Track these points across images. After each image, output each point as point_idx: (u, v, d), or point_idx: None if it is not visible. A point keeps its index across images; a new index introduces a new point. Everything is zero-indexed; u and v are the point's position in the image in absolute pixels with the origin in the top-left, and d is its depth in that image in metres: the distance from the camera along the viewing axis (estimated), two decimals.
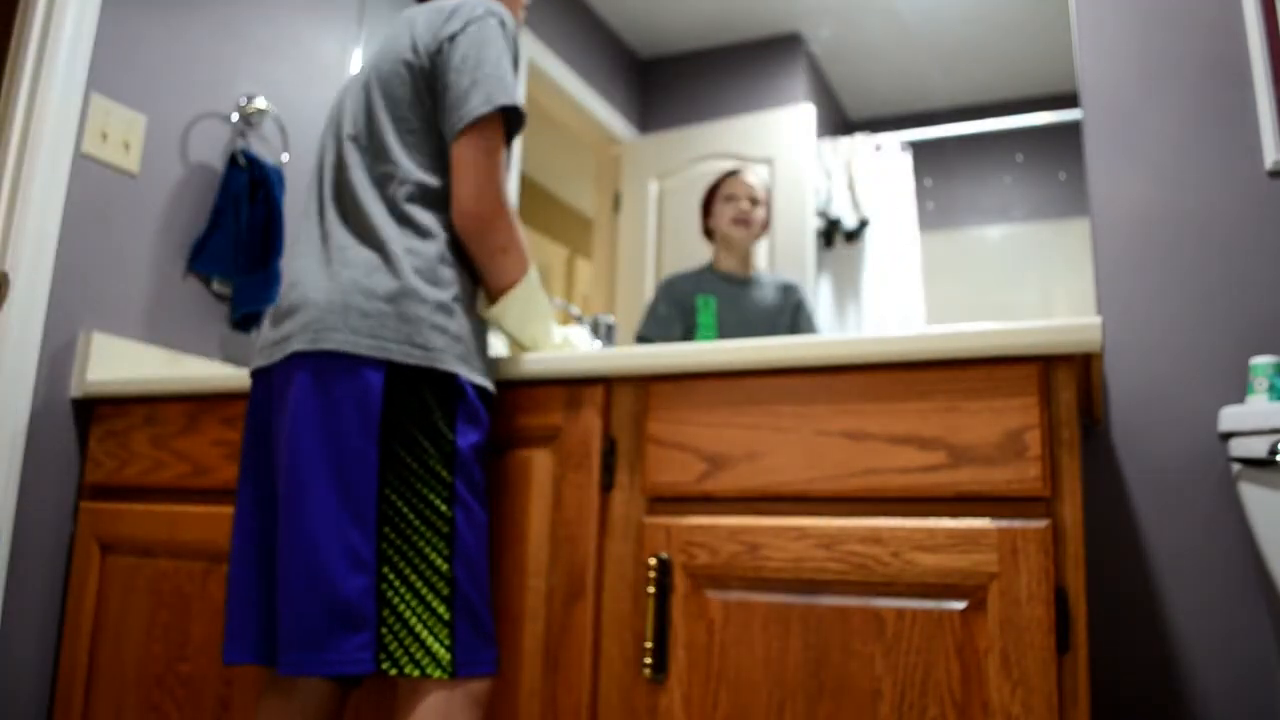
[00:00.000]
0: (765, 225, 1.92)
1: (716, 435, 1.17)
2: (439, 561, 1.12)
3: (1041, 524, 1.01)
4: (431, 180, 1.24)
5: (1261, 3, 1.58)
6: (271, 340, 1.21)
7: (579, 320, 1.94)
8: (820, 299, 1.84)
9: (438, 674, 1.09)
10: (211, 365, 1.92)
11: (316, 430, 1.12)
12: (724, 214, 1.95)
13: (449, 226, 1.24)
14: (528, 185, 2.16)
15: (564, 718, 1.18)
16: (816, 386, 1.14)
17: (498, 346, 1.46)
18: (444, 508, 1.14)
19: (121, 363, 1.73)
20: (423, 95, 1.25)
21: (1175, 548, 1.48)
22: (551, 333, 1.35)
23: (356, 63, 2.34)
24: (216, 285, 1.96)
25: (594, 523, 1.22)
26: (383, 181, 1.23)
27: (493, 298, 1.27)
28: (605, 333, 1.93)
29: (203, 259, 1.90)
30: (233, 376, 1.51)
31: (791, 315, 1.85)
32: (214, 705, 1.44)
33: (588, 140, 2.13)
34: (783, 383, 1.16)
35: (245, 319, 1.97)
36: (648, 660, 1.14)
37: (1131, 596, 1.50)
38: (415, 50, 1.25)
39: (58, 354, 1.67)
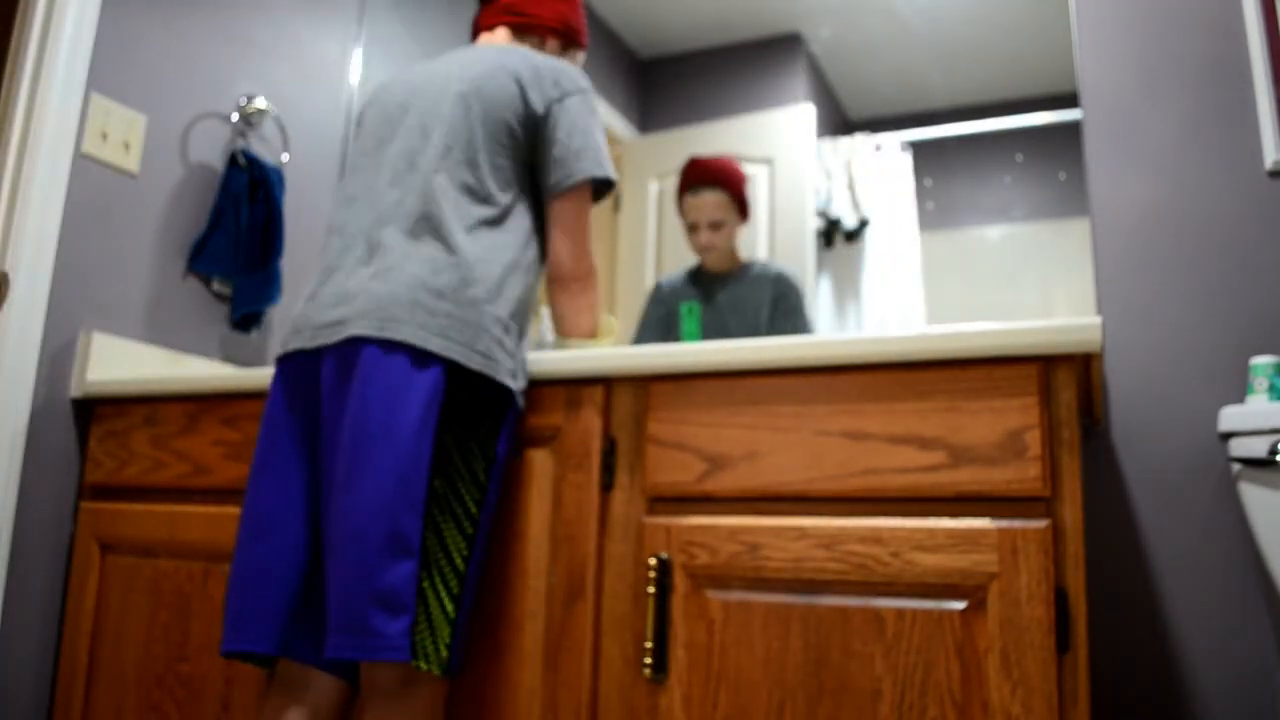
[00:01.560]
0: (743, 218, 1.92)
1: (716, 435, 1.17)
2: (459, 561, 1.14)
3: (1041, 524, 1.01)
4: (507, 202, 1.31)
5: (1261, 3, 1.58)
6: (320, 322, 1.22)
7: None
8: (820, 299, 1.84)
9: (435, 669, 1.10)
10: (211, 365, 1.92)
11: (380, 414, 1.13)
12: (689, 239, 1.95)
13: (512, 248, 1.29)
14: None
15: (564, 718, 1.18)
16: (816, 386, 1.14)
17: None
18: (474, 510, 1.17)
19: (121, 363, 1.73)
20: (520, 135, 1.33)
21: (1175, 548, 1.48)
22: None
23: (356, 63, 2.34)
24: (216, 285, 1.96)
25: (594, 523, 1.22)
26: (467, 192, 1.28)
27: (564, 334, 1.40)
28: None
29: (203, 259, 1.90)
30: (233, 376, 1.51)
31: (771, 307, 1.85)
32: (214, 705, 1.44)
33: None
34: (782, 383, 1.16)
35: (245, 319, 1.97)
36: (648, 660, 1.14)
37: (1131, 596, 1.50)
38: (525, 97, 1.33)
39: (58, 354, 1.67)
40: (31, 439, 1.62)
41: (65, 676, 1.58)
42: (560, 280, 1.36)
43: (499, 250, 1.26)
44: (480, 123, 1.31)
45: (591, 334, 1.39)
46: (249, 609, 1.17)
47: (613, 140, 2.10)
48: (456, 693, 1.25)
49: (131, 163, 1.80)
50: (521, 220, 1.32)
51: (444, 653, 1.11)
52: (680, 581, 1.15)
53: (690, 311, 1.90)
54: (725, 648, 1.12)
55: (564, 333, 1.39)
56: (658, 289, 1.97)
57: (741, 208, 1.92)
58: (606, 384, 1.26)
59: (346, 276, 1.23)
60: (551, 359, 1.27)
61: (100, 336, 1.70)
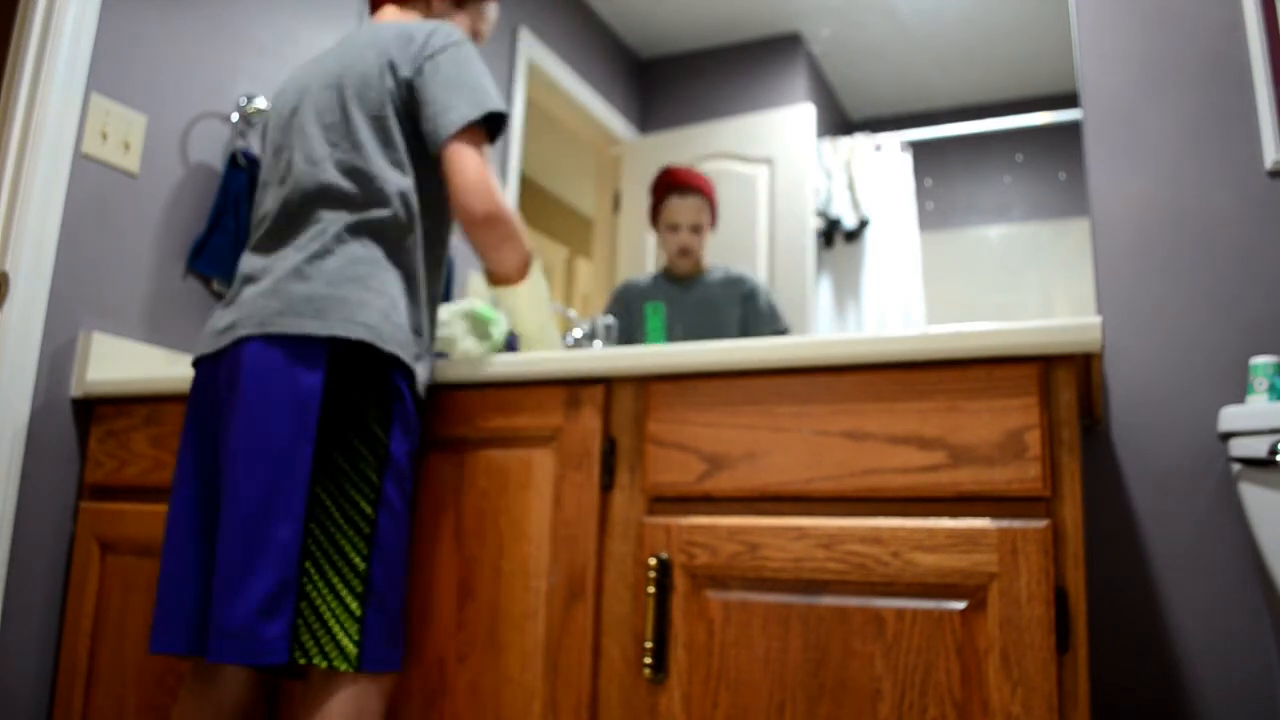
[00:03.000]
0: (713, 225, 1.96)
1: (716, 435, 1.17)
2: (357, 560, 1.15)
3: (1041, 524, 1.01)
4: (398, 179, 1.29)
5: (1261, 3, 1.58)
6: (217, 328, 1.25)
7: (577, 321, 1.94)
8: (820, 299, 1.84)
9: (344, 667, 1.12)
10: None
11: (255, 422, 1.15)
12: (667, 243, 1.98)
13: (408, 228, 1.28)
14: (528, 185, 2.16)
15: (564, 718, 1.18)
16: (816, 386, 1.14)
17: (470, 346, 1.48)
18: (368, 509, 1.17)
19: (121, 363, 1.73)
20: (399, 106, 1.31)
21: (1175, 548, 1.48)
22: (549, 326, 1.41)
23: None
24: (216, 285, 1.96)
25: (594, 523, 1.22)
26: (356, 178, 1.27)
27: (495, 282, 1.36)
28: (605, 333, 1.93)
29: (203, 259, 1.90)
30: None
31: (741, 306, 1.87)
32: None
33: (588, 140, 2.13)
34: (782, 383, 1.16)
35: None
36: (648, 660, 1.14)
37: (1131, 596, 1.50)
38: (393, 66, 1.31)
39: (58, 354, 1.67)
40: (31, 439, 1.62)
41: (65, 676, 1.58)
42: (469, 227, 1.31)
43: (393, 230, 1.26)
44: (357, 106, 1.30)
45: (511, 274, 1.35)
46: (165, 612, 1.21)
47: (613, 140, 2.10)
48: (455, 693, 1.25)
49: (131, 163, 1.80)
50: (420, 196, 1.31)
51: (352, 649, 1.12)
52: (680, 581, 1.15)
53: (655, 311, 1.93)
54: (725, 648, 1.12)
55: (489, 278, 1.37)
56: (622, 289, 2.00)
57: (714, 216, 1.96)
58: (606, 384, 1.26)
59: (243, 283, 1.27)
60: (552, 359, 1.27)
61: (100, 336, 1.70)
